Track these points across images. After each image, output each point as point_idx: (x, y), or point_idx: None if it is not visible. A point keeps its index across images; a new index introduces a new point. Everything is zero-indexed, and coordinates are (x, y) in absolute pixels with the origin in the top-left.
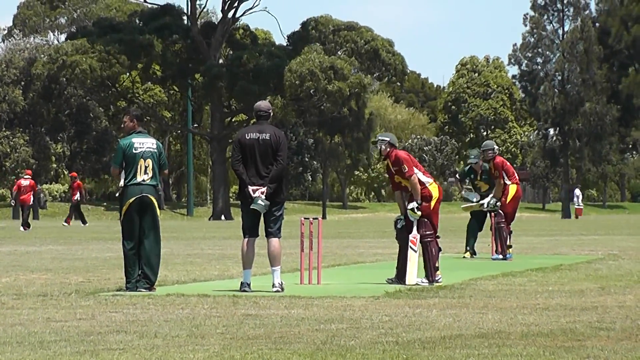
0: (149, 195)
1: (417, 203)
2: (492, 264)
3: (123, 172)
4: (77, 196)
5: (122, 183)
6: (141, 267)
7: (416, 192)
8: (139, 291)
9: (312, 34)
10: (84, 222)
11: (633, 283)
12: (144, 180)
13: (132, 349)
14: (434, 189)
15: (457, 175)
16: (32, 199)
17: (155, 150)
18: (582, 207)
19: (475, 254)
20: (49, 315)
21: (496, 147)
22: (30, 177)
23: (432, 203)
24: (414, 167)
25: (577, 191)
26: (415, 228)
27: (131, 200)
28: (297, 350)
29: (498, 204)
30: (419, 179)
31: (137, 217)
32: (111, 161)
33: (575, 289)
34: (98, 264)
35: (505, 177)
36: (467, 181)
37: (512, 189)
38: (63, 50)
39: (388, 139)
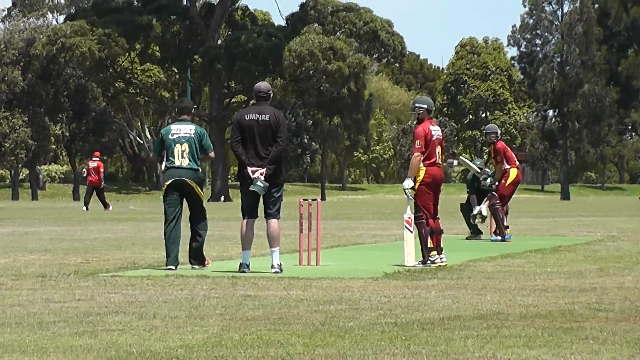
0: (186, 179)
1: (412, 180)
2: (490, 245)
3: (165, 156)
4: None
5: (162, 168)
6: (190, 245)
7: (410, 170)
8: (193, 268)
9: (311, 14)
10: None
11: (632, 264)
12: (181, 164)
13: (131, 330)
14: (421, 172)
15: (467, 180)
16: (101, 180)
17: (193, 136)
18: None
19: (481, 233)
20: (48, 296)
21: (499, 130)
22: (98, 159)
23: (415, 186)
24: (422, 147)
25: None
26: (408, 208)
27: (168, 182)
28: (296, 331)
29: (494, 186)
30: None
31: (176, 199)
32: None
33: (574, 270)
34: (97, 244)
35: (505, 162)
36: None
37: (513, 173)
38: (62, 32)
39: (425, 106)
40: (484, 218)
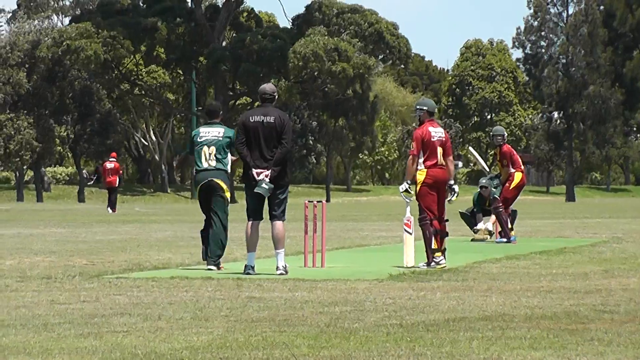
0: (215, 179)
1: (406, 184)
2: (496, 247)
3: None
4: None
5: (194, 170)
6: (209, 243)
7: (406, 172)
8: (208, 268)
9: (316, 16)
10: None
11: (637, 266)
12: (208, 166)
13: (136, 332)
14: (420, 174)
15: (473, 198)
16: (118, 181)
17: (221, 139)
18: None
19: (491, 234)
20: (53, 298)
21: (505, 133)
22: (115, 159)
23: (417, 188)
24: (418, 150)
25: None
26: (407, 210)
27: (200, 185)
28: (301, 333)
29: (498, 189)
30: (416, 162)
31: (207, 201)
32: None
33: (579, 272)
34: (102, 246)
35: (511, 166)
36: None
37: (518, 177)
38: (67, 34)
39: (426, 107)
40: (491, 233)
